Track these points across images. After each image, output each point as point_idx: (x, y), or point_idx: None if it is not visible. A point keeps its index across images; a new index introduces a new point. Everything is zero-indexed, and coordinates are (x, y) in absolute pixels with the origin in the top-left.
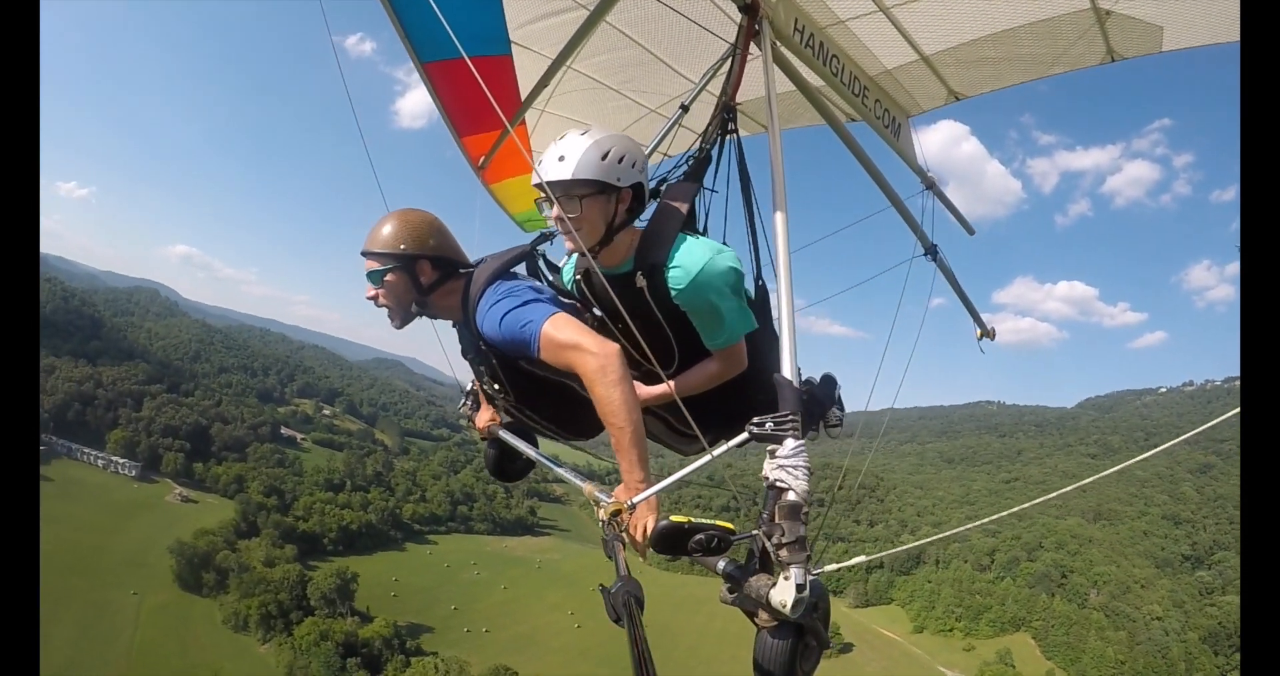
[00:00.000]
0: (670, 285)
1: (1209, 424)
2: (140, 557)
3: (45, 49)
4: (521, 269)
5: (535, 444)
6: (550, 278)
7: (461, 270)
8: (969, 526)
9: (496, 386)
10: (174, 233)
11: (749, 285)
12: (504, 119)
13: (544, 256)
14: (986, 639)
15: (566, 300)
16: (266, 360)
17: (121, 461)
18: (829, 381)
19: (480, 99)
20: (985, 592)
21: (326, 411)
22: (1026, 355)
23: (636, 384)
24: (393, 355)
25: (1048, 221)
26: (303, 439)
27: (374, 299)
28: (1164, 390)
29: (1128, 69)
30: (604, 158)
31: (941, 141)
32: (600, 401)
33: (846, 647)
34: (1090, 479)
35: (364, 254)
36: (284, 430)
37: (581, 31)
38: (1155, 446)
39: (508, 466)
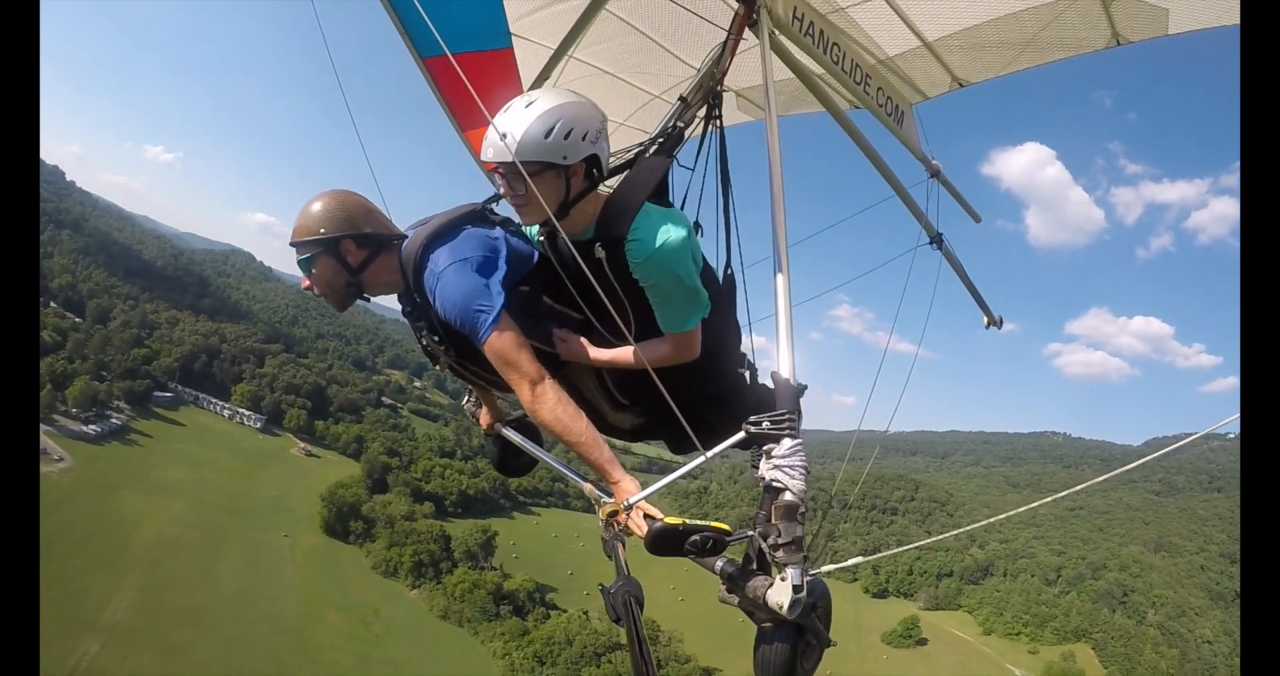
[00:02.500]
0: (629, 258)
1: (1208, 429)
2: (282, 503)
3: (141, 17)
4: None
5: (540, 442)
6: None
7: (394, 241)
8: (961, 530)
9: (436, 339)
10: (255, 201)
11: (718, 273)
12: (488, 116)
13: (492, 212)
14: (1050, 645)
15: (524, 243)
16: (357, 329)
17: (247, 413)
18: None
19: (481, 94)
20: (1051, 604)
21: (418, 384)
22: (1095, 389)
23: (586, 344)
24: None
25: (1128, 254)
26: (401, 407)
27: (309, 289)
28: (1231, 437)
29: (1221, 99)
30: (548, 135)
31: (1026, 165)
32: (544, 425)
33: (922, 641)
34: (1061, 494)
35: (291, 245)
36: (384, 398)
37: (582, 20)
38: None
39: (511, 461)
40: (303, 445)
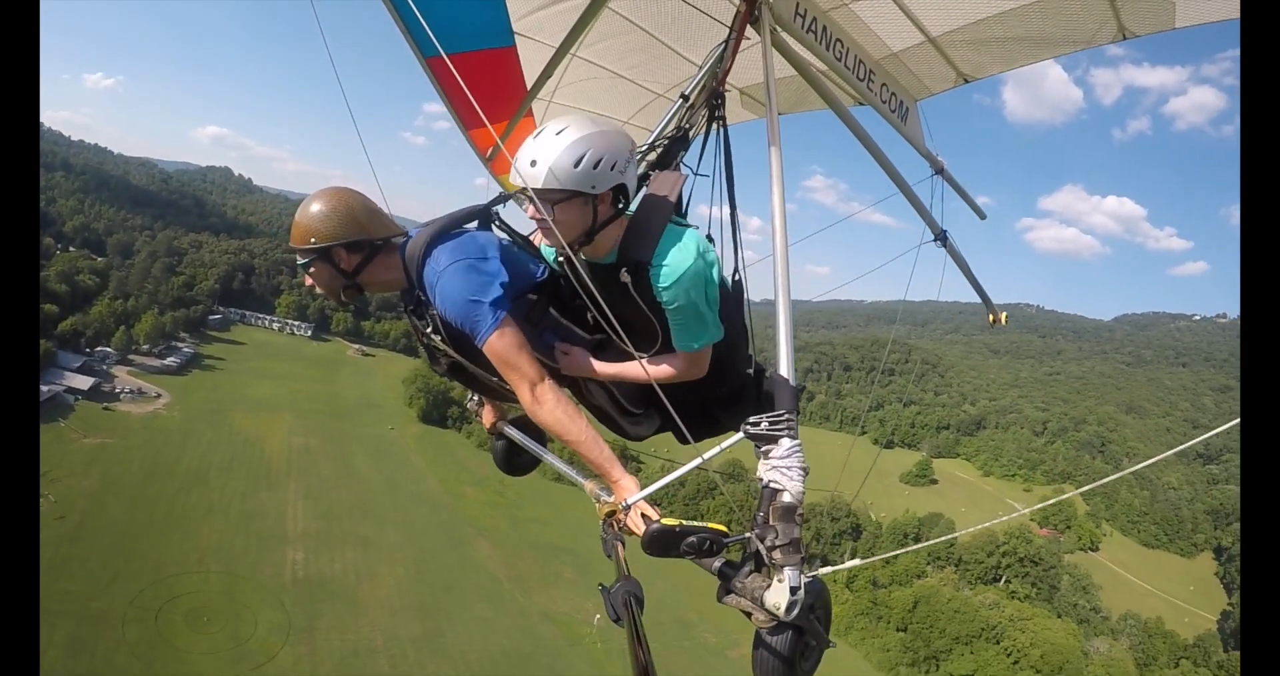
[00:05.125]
0: (654, 283)
1: (1209, 434)
2: (369, 401)
3: None
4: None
5: (543, 440)
6: (510, 238)
7: (395, 239)
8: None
9: (439, 338)
10: (204, 114)
11: (726, 276)
12: (484, 117)
13: (499, 216)
14: (1041, 485)
15: (529, 255)
16: None
17: (296, 324)
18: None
19: (484, 92)
20: (1040, 451)
21: None
22: (1066, 265)
23: (588, 358)
24: None
25: (1105, 134)
26: None
27: (311, 288)
28: (1198, 318)
29: None
30: (577, 164)
31: None
32: (544, 426)
33: (933, 481)
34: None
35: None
36: None
37: (584, 18)
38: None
39: (515, 460)
40: (356, 347)
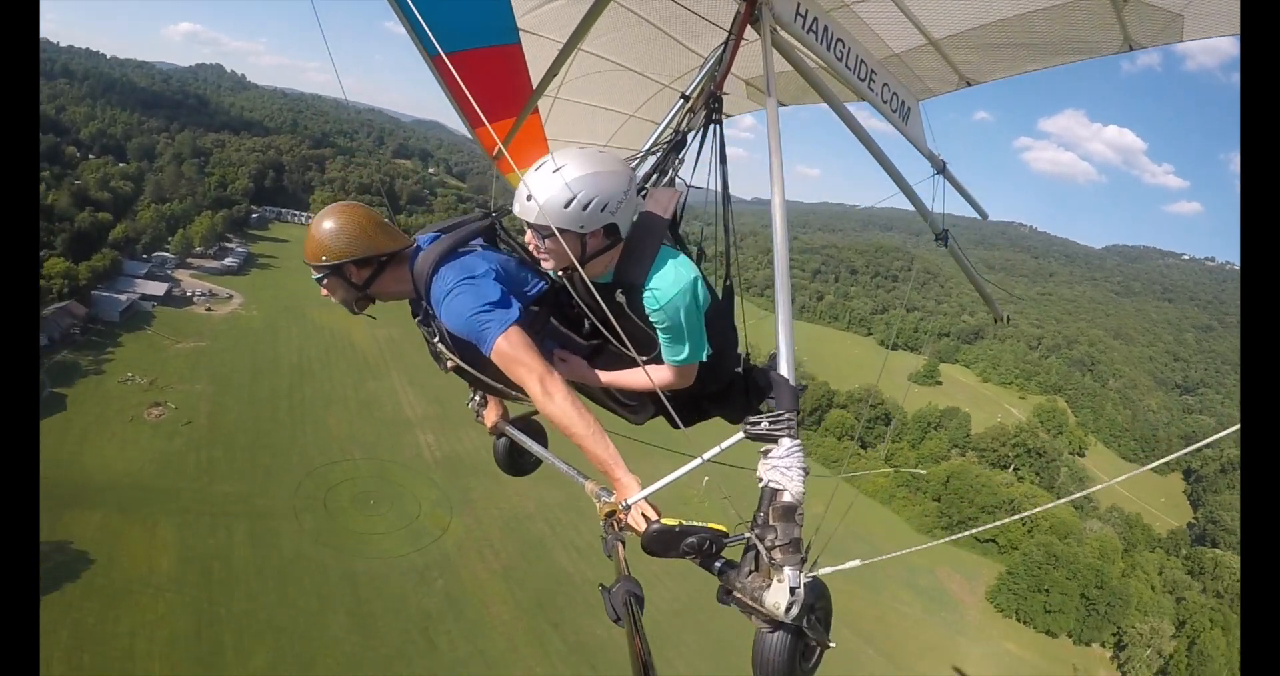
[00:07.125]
0: (646, 305)
1: (1207, 441)
2: None
3: None
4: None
5: (544, 441)
6: (513, 246)
7: (403, 252)
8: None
9: (444, 347)
10: (175, 11)
11: (719, 283)
12: (483, 118)
13: (502, 227)
14: (1035, 395)
15: (529, 270)
16: (346, 124)
17: None
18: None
19: (490, 91)
20: (1035, 364)
21: (432, 170)
22: (1060, 188)
23: (585, 365)
24: (429, 119)
25: (1113, 64)
26: (435, 196)
27: (327, 297)
28: (1187, 258)
29: None
30: (568, 205)
31: None
32: (552, 419)
33: (938, 383)
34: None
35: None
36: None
37: (590, 14)
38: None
39: (517, 460)
40: None
